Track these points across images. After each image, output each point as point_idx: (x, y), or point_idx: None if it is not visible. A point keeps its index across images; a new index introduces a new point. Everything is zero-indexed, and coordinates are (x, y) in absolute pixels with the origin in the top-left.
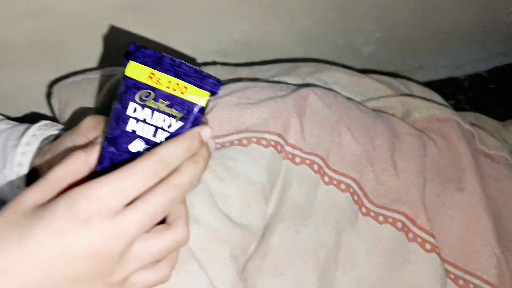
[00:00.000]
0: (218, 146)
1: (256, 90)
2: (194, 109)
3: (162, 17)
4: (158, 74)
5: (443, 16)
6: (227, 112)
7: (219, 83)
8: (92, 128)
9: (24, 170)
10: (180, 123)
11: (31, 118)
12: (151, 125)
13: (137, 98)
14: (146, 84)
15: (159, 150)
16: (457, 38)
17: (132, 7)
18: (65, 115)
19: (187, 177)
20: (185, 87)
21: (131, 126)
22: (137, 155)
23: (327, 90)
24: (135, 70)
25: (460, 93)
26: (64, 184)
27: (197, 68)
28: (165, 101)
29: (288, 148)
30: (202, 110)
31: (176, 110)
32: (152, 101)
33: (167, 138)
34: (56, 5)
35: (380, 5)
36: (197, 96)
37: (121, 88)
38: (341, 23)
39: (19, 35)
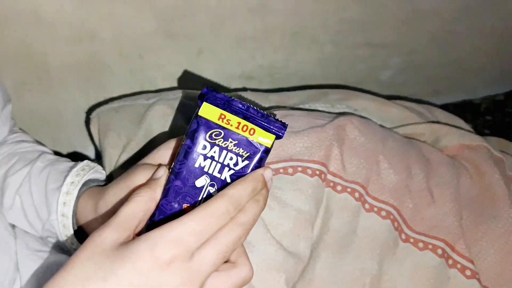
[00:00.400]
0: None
1: (295, 119)
2: (260, 150)
3: (189, 43)
4: (229, 115)
5: (460, 42)
6: None
7: (284, 127)
8: (143, 177)
9: (69, 220)
10: (246, 162)
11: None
12: (218, 162)
13: (207, 136)
14: (217, 124)
15: (229, 192)
16: (473, 62)
17: (162, 33)
18: (105, 142)
19: (251, 215)
20: (253, 129)
21: (199, 162)
22: (201, 190)
23: (363, 119)
24: (208, 111)
25: (477, 117)
26: (136, 221)
27: (264, 112)
28: (234, 140)
29: (330, 176)
30: (268, 151)
31: (243, 149)
32: (222, 140)
33: (231, 175)
34: (94, 31)
35: (399, 32)
36: (264, 138)
37: (193, 126)
38: (361, 48)
39: (61, 59)
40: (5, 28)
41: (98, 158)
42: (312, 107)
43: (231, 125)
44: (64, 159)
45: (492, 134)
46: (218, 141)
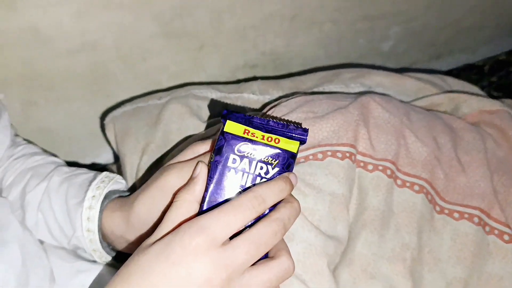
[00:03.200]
0: None
1: (317, 103)
2: (288, 156)
3: (190, 40)
4: (252, 130)
5: (457, 4)
6: None
7: (306, 132)
8: (169, 182)
9: (95, 235)
10: (276, 169)
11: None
12: (250, 173)
13: (236, 150)
14: (243, 137)
15: (255, 188)
16: (471, 22)
17: (163, 34)
18: (124, 147)
19: (284, 214)
20: (278, 139)
21: (231, 176)
22: None
23: (383, 96)
24: (232, 127)
25: (482, 79)
26: (177, 226)
27: (283, 122)
28: (261, 150)
29: (359, 157)
30: (294, 156)
31: (272, 158)
32: (250, 151)
33: None
34: (95, 40)
35: (397, 1)
36: (289, 145)
37: (220, 142)
38: (360, 23)
39: (65, 73)
40: (5, 48)
41: (116, 161)
42: (326, 89)
43: (257, 137)
44: (79, 170)
45: (500, 95)
46: (247, 153)
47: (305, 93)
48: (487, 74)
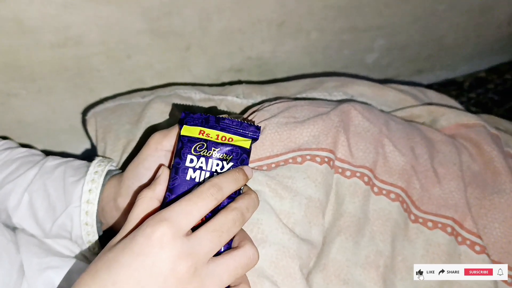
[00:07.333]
0: (273, 166)
1: (299, 109)
2: (241, 152)
3: (177, 39)
4: (207, 130)
5: (441, 21)
6: (277, 132)
7: (258, 130)
8: (160, 144)
9: (94, 207)
10: (231, 163)
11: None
12: (207, 171)
13: (192, 150)
14: (198, 138)
15: (211, 179)
16: (453, 40)
17: (150, 31)
18: (105, 143)
19: (242, 203)
20: (231, 138)
21: (189, 175)
22: None
23: (364, 105)
24: (188, 131)
25: (462, 95)
26: (139, 222)
27: (238, 120)
28: (216, 148)
29: (338, 163)
30: (248, 152)
31: (226, 154)
32: (206, 150)
33: None
34: (80, 34)
35: (383, 15)
36: (242, 142)
37: (178, 145)
38: (346, 33)
39: (47, 66)
40: None
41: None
42: (310, 96)
43: (211, 137)
44: (71, 158)
45: (478, 111)
46: (203, 152)
47: (288, 99)
48: (466, 91)
